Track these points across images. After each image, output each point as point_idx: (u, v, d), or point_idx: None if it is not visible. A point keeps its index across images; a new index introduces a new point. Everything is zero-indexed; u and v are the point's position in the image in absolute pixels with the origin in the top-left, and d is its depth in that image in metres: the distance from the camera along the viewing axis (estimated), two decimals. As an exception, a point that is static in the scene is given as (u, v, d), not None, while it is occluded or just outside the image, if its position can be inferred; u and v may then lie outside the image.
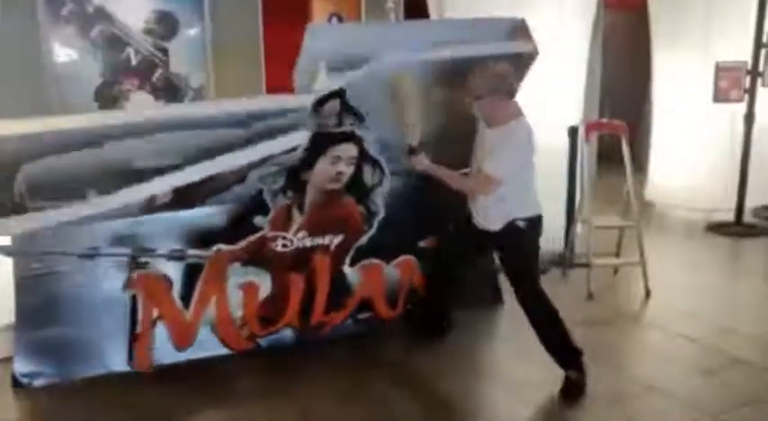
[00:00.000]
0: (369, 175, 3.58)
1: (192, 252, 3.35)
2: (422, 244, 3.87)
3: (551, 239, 5.10)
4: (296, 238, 3.49)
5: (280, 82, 4.34)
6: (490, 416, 3.18)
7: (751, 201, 6.23)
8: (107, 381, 3.31)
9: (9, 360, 3.34)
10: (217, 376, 3.42)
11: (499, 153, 3.12)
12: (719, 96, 6.18)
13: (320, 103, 3.27)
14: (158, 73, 5.20)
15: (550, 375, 3.22)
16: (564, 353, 3.23)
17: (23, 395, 3.25)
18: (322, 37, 3.22)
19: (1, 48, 4.52)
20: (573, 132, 5.03)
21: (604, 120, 4.99)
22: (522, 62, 3.51)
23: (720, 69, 6.09)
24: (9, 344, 3.37)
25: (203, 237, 3.36)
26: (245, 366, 3.50)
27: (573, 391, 3.19)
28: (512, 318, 4.29)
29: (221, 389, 3.31)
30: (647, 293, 4.47)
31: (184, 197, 3.18)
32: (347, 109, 3.36)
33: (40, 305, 3.23)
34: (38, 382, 3.29)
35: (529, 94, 5.02)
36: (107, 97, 5.15)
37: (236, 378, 3.42)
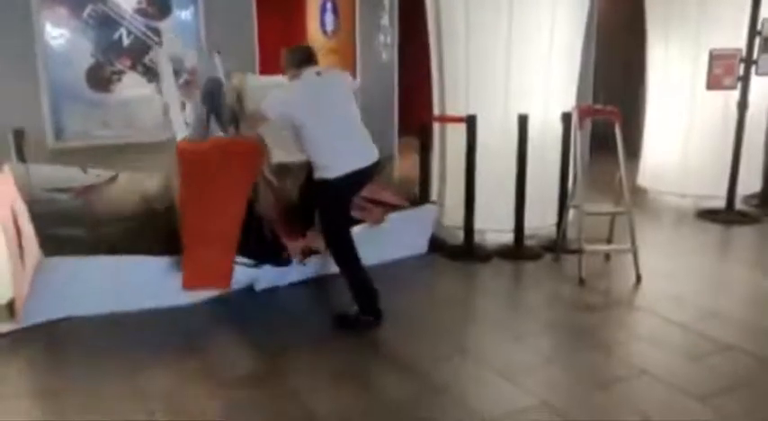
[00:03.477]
0: None
1: None
2: None
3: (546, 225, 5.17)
4: None
5: (272, 61, 4.33)
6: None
7: (743, 189, 6.25)
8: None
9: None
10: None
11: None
12: (713, 84, 6.16)
13: None
14: (151, 53, 5.16)
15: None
16: (356, 295, 3.80)
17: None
18: None
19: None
20: (566, 118, 5.03)
21: (598, 106, 4.98)
22: None
23: (714, 57, 6.08)
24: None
25: None
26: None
27: (341, 323, 3.79)
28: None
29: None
30: (638, 279, 4.50)
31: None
32: None
33: None
34: None
35: (523, 81, 5.11)
36: (98, 78, 5.11)
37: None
